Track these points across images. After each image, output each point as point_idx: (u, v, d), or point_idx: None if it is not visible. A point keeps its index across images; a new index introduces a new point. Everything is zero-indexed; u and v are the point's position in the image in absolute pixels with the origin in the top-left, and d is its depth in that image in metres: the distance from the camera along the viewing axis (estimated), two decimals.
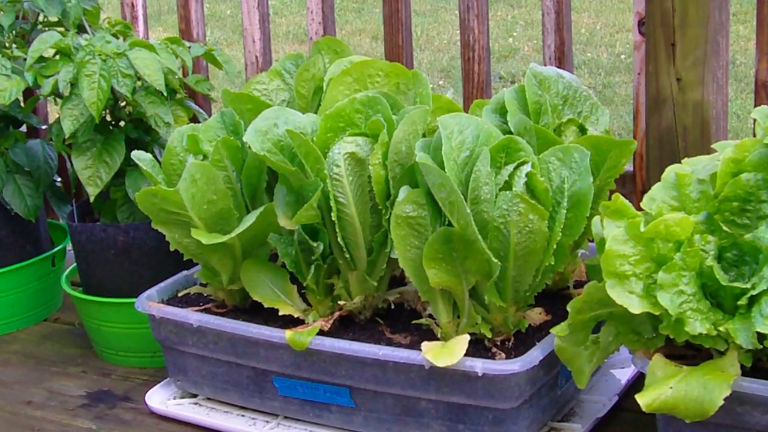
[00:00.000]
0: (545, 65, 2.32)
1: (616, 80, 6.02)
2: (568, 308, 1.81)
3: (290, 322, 2.12)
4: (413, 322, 2.08)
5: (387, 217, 2.00)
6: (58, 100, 2.50)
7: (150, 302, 2.27)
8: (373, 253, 2.07)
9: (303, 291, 2.17)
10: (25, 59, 2.54)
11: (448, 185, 1.83)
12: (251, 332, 2.11)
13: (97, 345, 2.61)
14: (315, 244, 2.06)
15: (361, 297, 2.11)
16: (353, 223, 2.03)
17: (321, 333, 2.05)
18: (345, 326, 2.12)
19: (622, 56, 6.38)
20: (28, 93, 2.93)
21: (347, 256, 2.07)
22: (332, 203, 2.00)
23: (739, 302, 1.65)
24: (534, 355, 1.90)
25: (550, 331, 1.90)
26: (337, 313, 2.10)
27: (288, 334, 2.04)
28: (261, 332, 2.09)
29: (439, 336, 2.00)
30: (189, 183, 2.07)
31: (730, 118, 4.39)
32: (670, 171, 1.81)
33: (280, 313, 2.13)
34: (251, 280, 2.16)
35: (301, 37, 7.25)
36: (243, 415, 2.22)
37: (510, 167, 1.90)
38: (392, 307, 2.16)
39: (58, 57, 2.50)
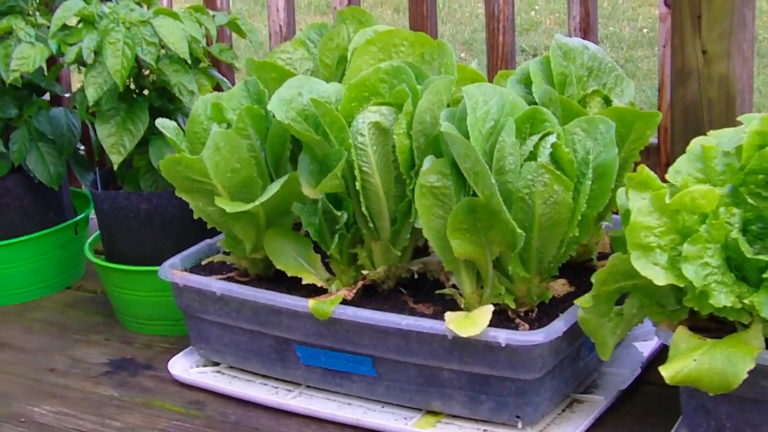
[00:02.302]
0: (570, 37, 2.30)
1: (639, 54, 5.98)
2: (593, 280, 1.81)
3: (313, 291, 2.12)
4: (436, 292, 2.07)
5: (411, 186, 1.99)
6: (81, 68, 2.50)
7: (173, 270, 2.27)
8: (396, 222, 2.06)
9: (326, 260, 2.17)
10: (48, 27, 2.53)
11: (473, 155, 1.83)
12: (274, 301, 2.11)
13: (120, 313, 2.62)
14: (339, 214, 2.05)
15: (385, 267, 2.11)
16: (377, 192, 2.02)
17: (344, 302, 2.05)
18: (368, 296, 2.12)
19: (645, 30, 6.33)
20: (52, 61, 2.93)
21: (371, 225, 2.07)
22: (356, 172, 2.00)
23: (764, 275, 1.64)
24: (557, 327, 1.90)
25: (574, 302, 1.89)
26: (360, 283, 2.10)
27: (311, 303, 2.04)
28: (284, 301, 2.09)
29: (462, 306, 2.00)
30: (213, 151, 2.07)
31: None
32: (696, 143, 1.81)
33: (303, 282, 2.13)
34: (274, 248, 2.16)
35: (323, 8, 7.23)
36: (265, 384, 2.22)
37: (535, 138, 1.89)
38: (415, 277, 2.15)
39: (81, 25, 2.49)
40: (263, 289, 2.16)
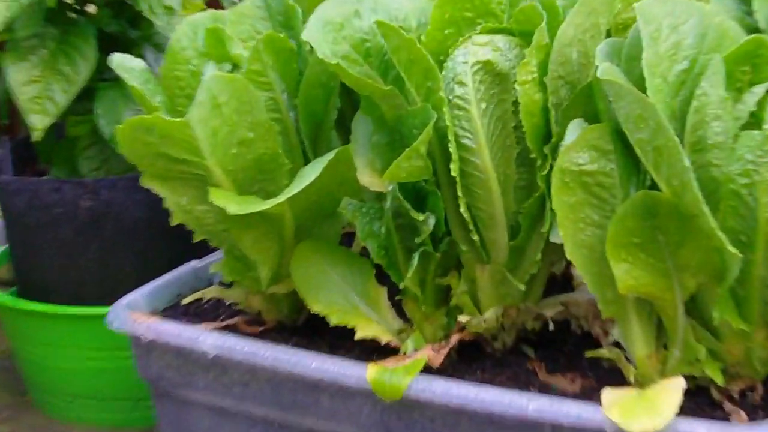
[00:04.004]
0: None
1: None
2: None
3: (374, 350, 2.15)
4: (587, 354, 2.08)
5: (545, 172, 2.00)
6: None
7: (134, 314, 2.30)
8: (519, 234, 2.07)
9: (397, 297, 2.19)
10: None
11: (653, 119, 1.82)
12: (308, 367, 2.12)
13: (38, 388, 2.65)
14: (421, 218, 2.05)
15: (498, 309, 2.13)
16: (487, 181, 2.04)
17: (427, 370, 2.06)
18: (469, 360, 2.13)
19: None
20: None
21: (475, 238, 2.08)
22: (452, 147, 2.01)
23: None
24: None
25: None
26: (455, 337, 2.12)
27: (371, 371, 2.06)
28: (325, 368, 2.10)
29: (631, 380, 2.00)
30: (208, 110, 2.09)
31: None
32: None
33: (358, 336, 2.15)
34: (310, 277, 2.18)
35: None
36: None
37: (759, 90, 1.89)
38: (551, 328, 2.17)
39: None
40: (289, 346, 2.18)
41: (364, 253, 2.19)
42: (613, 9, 2.03)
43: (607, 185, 1.95)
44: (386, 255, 2.14)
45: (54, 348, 2.58)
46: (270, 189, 2.17)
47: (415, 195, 2.11)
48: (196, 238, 2.29)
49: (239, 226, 2.20)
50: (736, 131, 1.88)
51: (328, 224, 2.24)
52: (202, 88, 2.11)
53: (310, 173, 2.11)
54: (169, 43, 2.26)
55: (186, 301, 2.39)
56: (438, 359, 2.10)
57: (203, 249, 2.37)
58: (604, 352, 2.08)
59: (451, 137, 2.03)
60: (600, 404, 1.92)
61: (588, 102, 2.00)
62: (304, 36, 2.09)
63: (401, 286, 2.16)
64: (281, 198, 2.11)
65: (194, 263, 2.43)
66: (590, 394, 2.00)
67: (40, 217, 2.56)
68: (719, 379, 1.98)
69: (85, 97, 2.52)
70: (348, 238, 2.28)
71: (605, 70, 1.89)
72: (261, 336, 2.26)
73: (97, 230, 2.53)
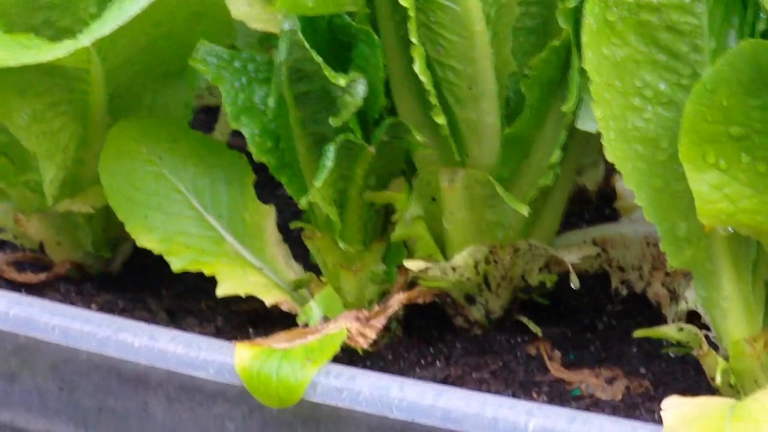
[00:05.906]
0: None
1: None
2: None
3: (250, 318, 2.01)
4: (637, 333, 1.90)
5: (571, 3, 1.82)
6: None
7: None
8: (521, 114, 1.90)
9: (295, 225, 2.03)
10: None
11: None
12: (129, 349, 1.94)
13: None
14: (342, 82, 1.90)
15: (479, 250, 1.97)
16: (465, 17, 1.91)
17: (348, 356, 1.90)
18: (424, 339, 1.99)
19: None
20: None
21: (440, 120, 1.89)
22: None
23: None
24: None
25: None
26: (398, 298, 1.96)
27: (244, 356, 1.90)
28: (159, 350, 1.93)
29: (716, 379, 1.83)
30: None
31: None
32: None
33: (221, 293, 1.99)
34: (134, 185, 2.05)
35: None
36: None
37: None
38: (574, 285, 1.98)
39: None
40: (92, 310, 2.04)
41: (236, 143, 2.05)
42: None
43: (687, 29, 1.77)
44: (276, 148, 1.98)
45: None
46: (63, 23, 2.02)
47: (333, 41, 1.95)
48: None
49: (7, 91, 2.01)
50: None
51: (170, 91, 2.12)
52: None
53: None
54: None
55: None
56: (367, 337, 1.93)
57: None
58: (668, 330, 1.88)
59: None
60: (663, 414, 1.73)
61: None
62: None
63: (303, 204, 1.97)
64: (85, 40, 1.91)
65: None
66: (640, 405, 1.85)
67: None
68: None
69: None
70: (207, 116, 2.16)
71: None
72: (43, 289, 2.12)
73: None
